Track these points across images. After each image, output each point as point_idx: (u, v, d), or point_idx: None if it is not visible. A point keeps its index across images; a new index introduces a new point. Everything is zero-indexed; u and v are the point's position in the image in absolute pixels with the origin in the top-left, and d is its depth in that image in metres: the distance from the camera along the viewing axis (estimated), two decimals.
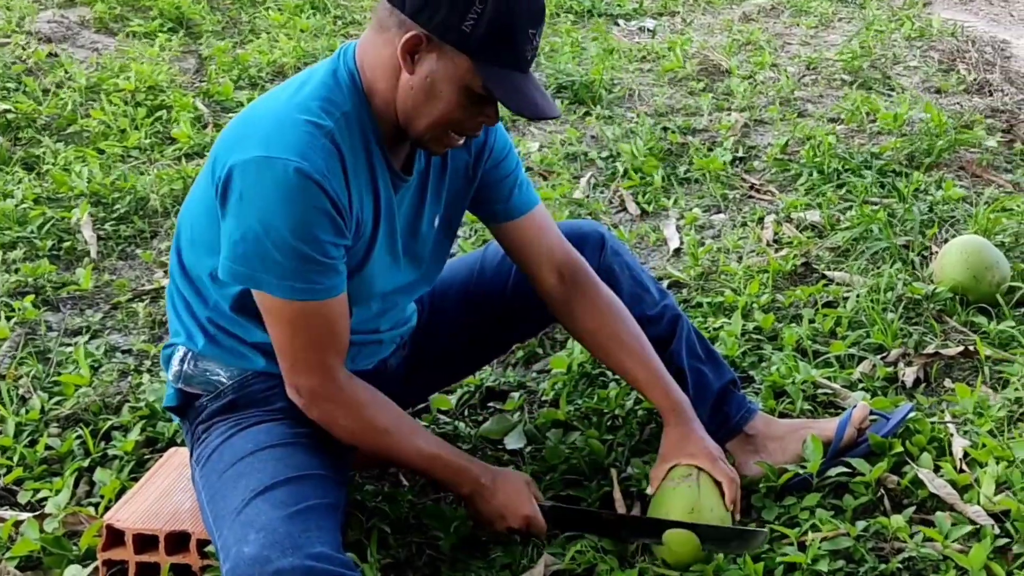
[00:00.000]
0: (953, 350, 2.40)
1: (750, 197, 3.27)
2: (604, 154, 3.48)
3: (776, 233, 3.01)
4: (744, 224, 3.09)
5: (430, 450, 1.74)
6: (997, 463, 1.94)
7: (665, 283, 2.74)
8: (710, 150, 3.52)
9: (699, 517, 1.77)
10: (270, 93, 1.69)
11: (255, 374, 1.76)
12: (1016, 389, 2.20)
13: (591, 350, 2.01)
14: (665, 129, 3.64)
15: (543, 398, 2.29)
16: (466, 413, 2.26)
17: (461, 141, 1.67)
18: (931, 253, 2.84)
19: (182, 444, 2.08)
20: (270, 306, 1.60)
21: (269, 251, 1.54)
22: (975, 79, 4.09)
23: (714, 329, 2.50)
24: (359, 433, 1.70)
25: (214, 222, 1.62)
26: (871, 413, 2.05)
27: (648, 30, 4.71)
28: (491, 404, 2.27)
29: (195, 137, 3.48)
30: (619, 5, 4.90)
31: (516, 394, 2.30)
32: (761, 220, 3.09)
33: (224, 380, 1.77)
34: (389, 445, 1.72)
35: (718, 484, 1.82)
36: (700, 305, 2.63)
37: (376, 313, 1.80)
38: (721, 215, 3.16)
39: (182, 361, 1.78)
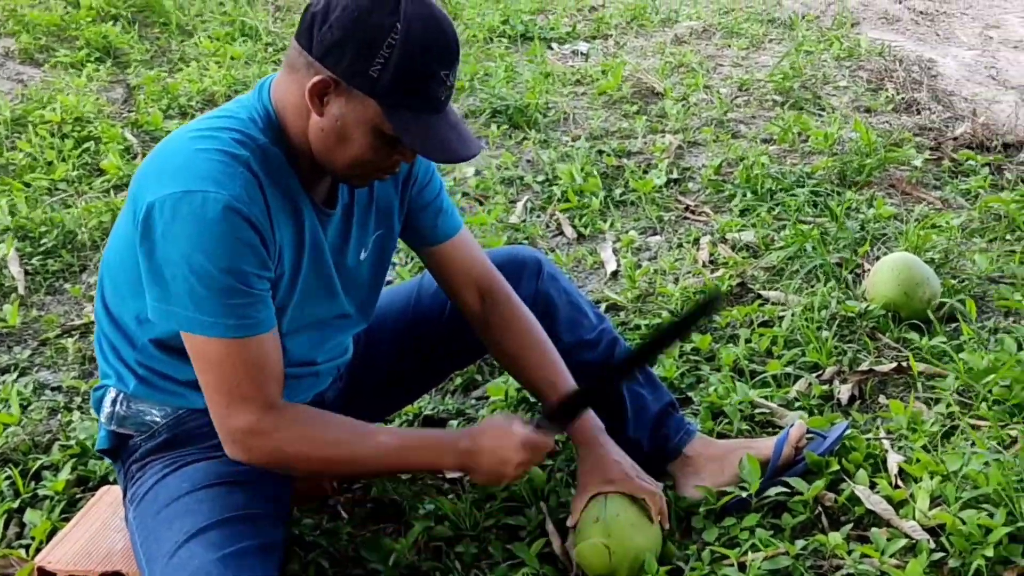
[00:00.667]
0: (886, 366, 2.46)
1: (685, 218, 3.32)
2: (540, 178, 3.51)
3: (712, 254, 3.06)
4: (680, 245, 3.13)
5: (394, 442, 1.70)
6: (931, 478, 1.98)
7: (603, 306, 2.77)
8: (645, 172, 3.57)
9: (617, 538, 1.78)
10: (184, 127, 1.68)
11: (190, 411, 1.74)
12: (948, 404, 2.26)
13: (508, 371, 2.04)
14: (600, 152, 3.69)
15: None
16: None
17: (384, 177, 1.67)
18: (864, 271, 2.91)
19: (115, 482, 2.05)
20: (201, 346, 1.56)
21: (195, 289, 1.52)
22: (903, 98, 4.20)
23: None
24: (314, 455, 1.64)
25: (137, 264, 1.59)
26: (808, 432, 2.09)
27: (582, 53, 4.76)
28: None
29: (124, 168, 3.44)
30: (552, 29, 4.95)
31: (455, 422, 2.30)
32: (697, 241, 3.14)
33: (158, 419, 1.75)
34: (350, 455, 1.67)
35: (642, 501, 1.84)
36: (638, 327, 2.67)
37: (311, 346, 1.79)
38: (657, 237, 3.21)
39: (114, 403, 1.76)
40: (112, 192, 3.35)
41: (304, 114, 1.58)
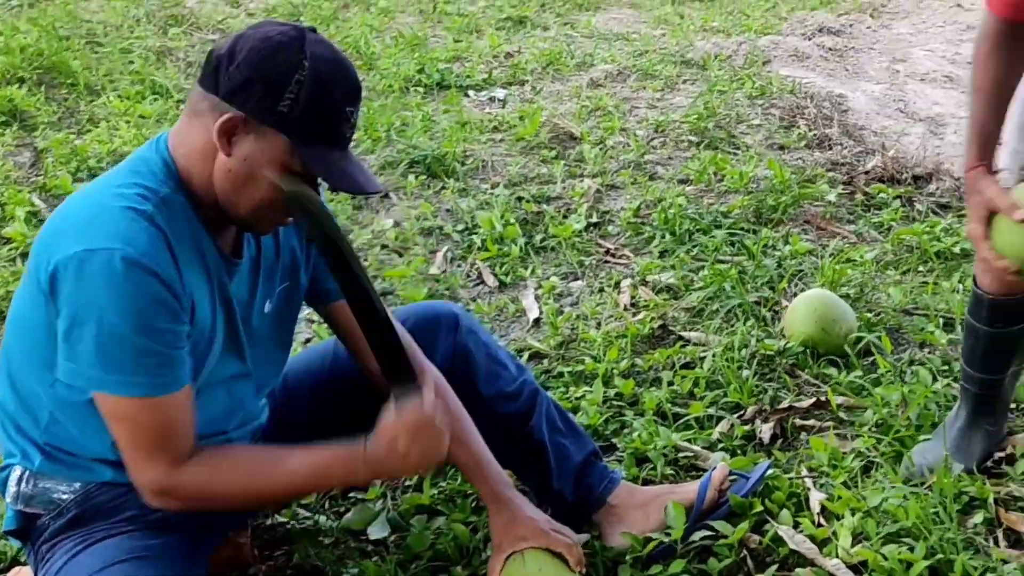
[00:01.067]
0: (806, 403, 2.51)
1: (606, 262, 3.36)
2: (460, 227, 3.53)
3: (633, 297, 3.10)
4: (601, 290, 3.16)
5: (304, 468, 1.71)
6: (853, 514, 2.02)
7: (525, 355, 2.79)
8: (565, 217, 3.60)
9: None
10: (83, 187, 1.68)
11: (99, 486, 1.71)
12: (867, 438, 2.31)
13: None
14: (520, 199, 3.72)
15: (407, 483, 2.28)
16: (327, 505, 2.23)
17: (289, 220, 1.68)
18: (782, 308, 2.97)
19: (26, 563, 2.00)
20: (113, 405, 1.57)
21: (107, 348, 1.52)
22: (815, 134, 4.31)
23: (576, 398, 2.55)
24: (229, 495, 1.68)
25: (43, 330, 1.58)
26: (730, 473, 2.12)
27: (499, 100, 4.81)
28: (352, 494, 2.26)
29: (30, 235, 3.38)
30: (469, 76, 4.99)
31: (378, 481, 2.29)
32: (618, 285, 3.17)
33: (66, 496, 1.72)
34: (263, 489, 1.71)
35: (559, 554, 1.85)
36: (561, 375, 2.68)
37: (222, 409, 1.78)
38: (579, 282, 3.24)
39: (19, 482, 1.72)
40: (19, 260, 3.29)
41: (209, 158, 1.59)
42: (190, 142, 1.61)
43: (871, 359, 2.69)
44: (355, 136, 3.63)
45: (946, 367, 2.64)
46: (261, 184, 1.59)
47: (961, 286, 3.05)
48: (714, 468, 2.11)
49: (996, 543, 2.01)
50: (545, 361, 2.78)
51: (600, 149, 4.15)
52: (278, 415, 1.98)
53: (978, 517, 2.05)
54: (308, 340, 2.89)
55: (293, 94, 1.53)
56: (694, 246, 3.35)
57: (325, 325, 2.84)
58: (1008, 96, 1.98)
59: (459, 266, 3.33)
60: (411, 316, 2.05)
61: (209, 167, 1.60)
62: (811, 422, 2.47)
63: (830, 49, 5.66)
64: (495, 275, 3.25)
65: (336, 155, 1.60)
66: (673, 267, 3.22)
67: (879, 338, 2.72)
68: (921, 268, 3.21)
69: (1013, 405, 2.38)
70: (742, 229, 3.47)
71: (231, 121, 1.55)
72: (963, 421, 2.24)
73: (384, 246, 3.42)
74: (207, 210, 1.64)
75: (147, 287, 1.52)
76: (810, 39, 5.82)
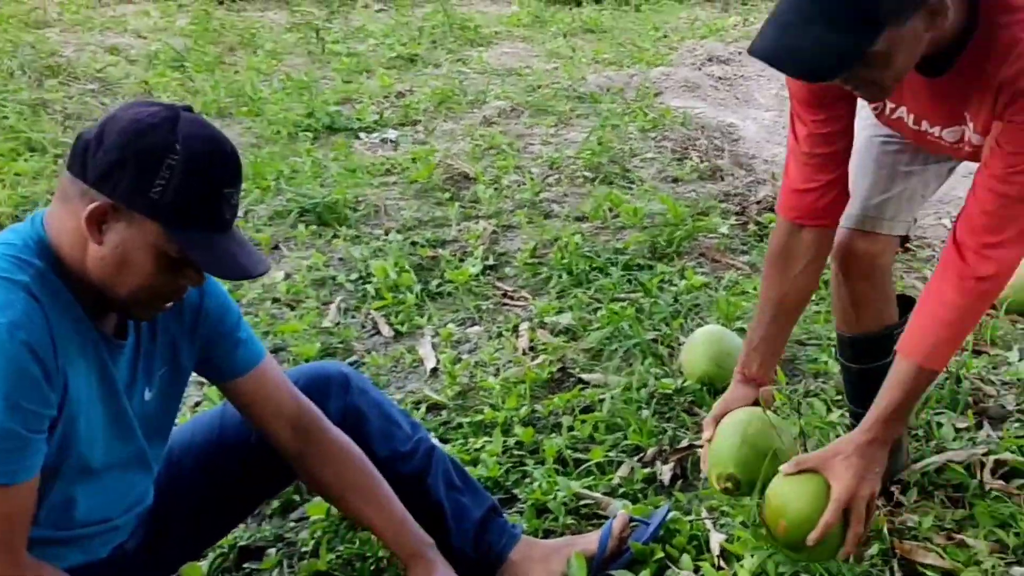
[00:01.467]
0: (704, 441, 2.53)
1: (504, 305, 3.37)
2: (353, 276, 3.51)
3: (531, 340, 3.11)
4: (500, 334, 3.17)
5: None
6: (752, 554, 2.05)
7: (423, 407, 2.77)
8: (461, 261, 3.61)
9: None
10: None
11: None
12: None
13: (330, 502, 2.02)
14: (414, 244, 3.71)
15: (303, 549, 2.24)
16: None
17: (169, 305, 1.65)
18: (679, 344, 3.01)
19: None
20: None
21: None
22: (707, 165, 4.40)
23: (476, 450, 2.54)
24: None
25: None
26: (631, 520, 2.13)
27: (391, 141, 4.81)
28: (247, 565, 2.21)
29: None
30: (359, 118, 4.99)
31: (273, 549, 2.25)
32: (516, 328, 3.18)
33: None
34: None
35: None
36: (460, 426, 2.67)
37: (113, 497, 1.73)
38: (476, 327, 3.24)
39: None
40: None
41: (82, 244, 1.55)
42: (62, 227, 1.56)
43: None
44: (243, 187, 3.60)
45: (840, 396, 2.70)
46: (137, 271, 1.54)
47: None
48: (614, 516, 2.12)
49: (892, 573, 2.06)
50: (444, 412, 2.77)
51: (495, 189, 4.17)
52: (163, 492, 1.93)
53: (874, 548, 2.10)
54: (198, 404, 2.84)
55: (164, 179, 1.50)
56: (591, 285, 3.38)
57: (215, 387, 2.81)
58: (789, 315, 2.14)
59: (353, 317, 3.30)
60: (300, 377, 2.03)
61: (82, 254, 1.55)
62: None
63: (720, 78, 5.81)
64: (391, 325, 3.24)
65: (216, 239, 1.56)
66: (571, 308, 3.24)
67: (774, 371, 2.76)
68: (813, 298, 3.28)
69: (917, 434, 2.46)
70: (638, 266, 3.51)
71: (99, 209, 1.50)
72: None
73: (275, 300, 3.38)
74: (85, 293, 1.59)
75: (19, 360, 1.46)
76: (700, 68, 5.97)
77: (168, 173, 1.50)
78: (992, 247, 1.80)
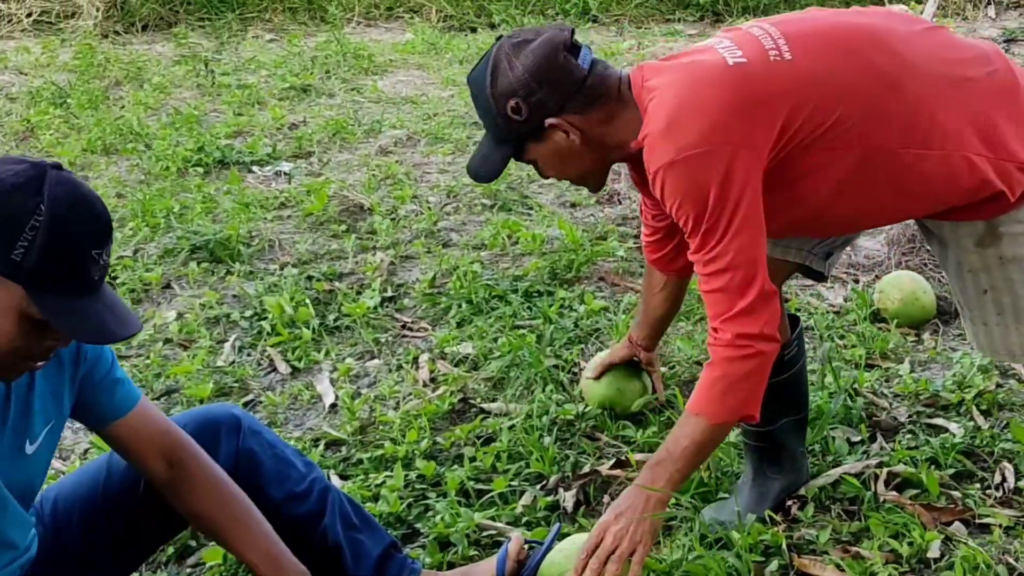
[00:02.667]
0: (607, 465, 2.58)
1: (403, 337, 3.38)
2: (248, 313, 3.48)
3: (432, 372, 3.13)
4: (399, 367, 3.18)
5: None
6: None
7: (322, 444, 2.77)
8: (359, 294, 3.61)
9: None
10: None
11: None
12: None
13: (204, 534, 2.02)
14: (310, 278, 3.70)
15: None
16: None
17: (39, 365, 1.63)
18: (580, 369, 3.05)
19: None
20: None
21: None
22: (604, 189, 4.47)
23: (376, 485, 2.55)
24: None
25: None
26: (527, 542, 2.16)
27: (285, 174, 4.79)
28: None
29: None
30: (251, 152, 4.95)
31: None
32: (416, 360, 3.20)
33: None
34: None
35: None
36: (360, 462, 2.68)
37: None
38: (376, 360, 3.24)
39: None
40: None
41: None
42: None
43: (668, 413, 2.79)
44: (134, 226, 3.54)
45: None
46: (1, 333, 1.52)
47: None
48: (509, 541, 2.15)
49: None
50: (343, 449, 2.77)
51: (392, 219, 4.18)
52: (48, 542, 1.90)
53: (773, 565, 2.16)
54: (87, 451, 2.79)
55: (27, 241, 1.47)
56: (491, 313, 3.41)
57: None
58: (661, 319, 2.70)
59: (249, 355, 3.28)
60: (190, 422, 2.02)
61: None
62: (613, 485, 2.54)
63: None
64: (287, 361, 3.22)
65: (83, 300, 1.54)
66: (471, 337, 3.27)
67: (673, 394, 2.83)
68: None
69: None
70: (538, 292, 3.56)
71: None
72: (748, 473, 2.40)
73: (167, 340, 3.34)
74: None
75: None
76: None
77: (31, 235, 1.48)
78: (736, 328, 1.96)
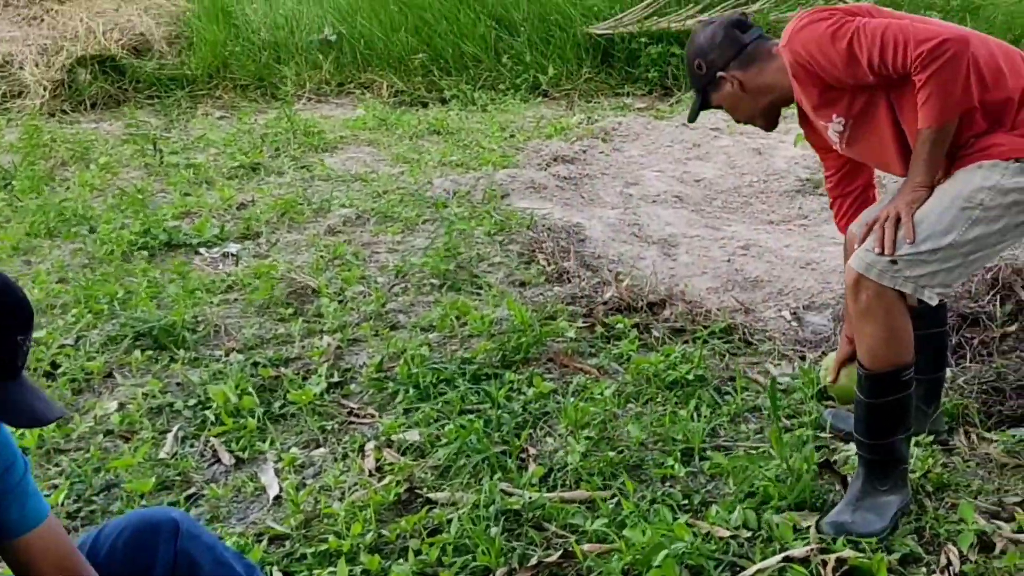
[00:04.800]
0: (555, 556, 2.58)
1: (350, 424, 3.37)
2: (192, 402, 3.46)
3: (378, 460, 3.11)
4: (345, 455, 3.16)
5: None
6: None
7: (265, 539, 2.74)
8: (305, 379, 3.60)
9: None
10: None
11: None
12: None
13: None
14: (256, 364, 3.68)
15: None
16: None
17: None
18: (527, 456, 3.05)
19: None
20: None
21: None
22: (554, 268, 4.51)
23: None
24: None
25: None
26: None
27: (232, 255, 4.79)
28: None
29: None
30: (199, 233, 4.95)
31: None
32: (362, 448, 3.18)
33: None
34: None
35: None
36: (304, 557, 2.65)
37: None
38: (321, 449, 3.22)
39: None
40: None
41: None
42: None
43: (616, 500, 2.80)
44: (76, 312, 3.51)
45: (687, 500, 2.79)
46: None
47: (697, 413, 3.24)
48: None
49: None
50: (287, 543, 2.74)
51: (339, 302, 4.19)
52: None
53: None
54: None
55: None
56: (439, 398, 3.41)
57: None
58: None
59: (192, 446, 3.25)
60: (128, 526, 2.01)
61: None
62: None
63: (565, 178, 5.97)
64: (231, 452, 3.20)
65: (7, 385, 1.56)
66: (418, 423, 3.26)
67: (623, 483, 2.84)
68: (659, 398, 3.39)
69: None
70: (487, 375, 3.56)
71: None
72: (857, 488, 2.69)
73: (108, 432, 3.30)
74: None
75: None
76: (546, 169, 6.13)
77: None
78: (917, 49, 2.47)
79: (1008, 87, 2.54)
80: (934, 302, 2.57)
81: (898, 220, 2.53)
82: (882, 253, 2.51)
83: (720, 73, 2.83)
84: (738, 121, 3.00)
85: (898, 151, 2.67)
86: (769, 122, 2.94)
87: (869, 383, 2.64)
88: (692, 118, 3.04)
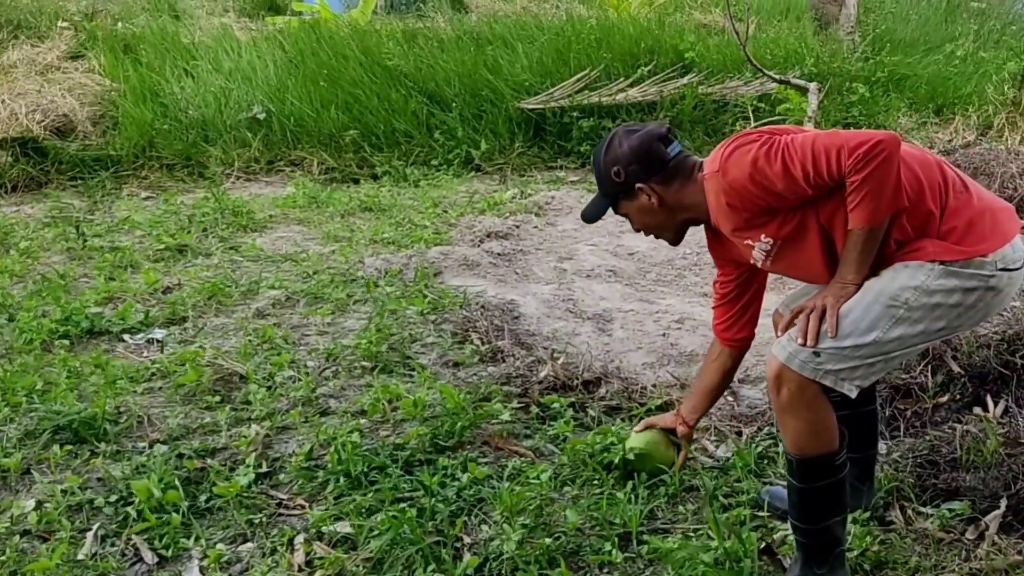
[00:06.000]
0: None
1: (279, 515, 3.29)
2: (113, 498, 3.36)
3: (308, 554, 3.04)
4: (274, 550, 3.09)
5: None
6: None
7: None
8: (232, 470, 3.52)
9: None
10: None
11: None
12: None
13: None
14: (181, 456, 3.60)
15: None
16: None
17: None
18: (462, 545, 3.01)
19: None
20: None
21: None
22: (488, 348, 4.50)
23: None
24: None
25: None
26: None
27: (157, 341, 4.71)
28: None
29: None
30: (122, 319, 4.86)
31: None
32: (291, 542, 3.11)
33: None
34: None
35: None
36: None
37: None
38: (249, 544, 3.15)
39: None
40: None
41: None
42: None
43: None
44: None
45: None
46: None
47: (634, 495, 3.23)
48: None
49: None
50: None
51: (268, 388, 4.13)
52: None
53: None
54: None
55: None
56: (371, 487, 3.36)
57: None
58: (710, 392, 3.25)
59: (113, 544, 3.15)
60: None
61: None
62: None
63: (499, 254, 6.00)
64: (154, 550, 3.10)
65: None
66: (349, 514, 3.20)
67: (560, 573, 2.80)
68: (596, 480, 3.37)
69: None
70: (419, 461, 3.52)
71: None
72: (796, 571, 2.73)
73: (25, 533, 3.19)
74: None
75: None
76: (479, 245, 6.15)
77: None
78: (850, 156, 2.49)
79: (927, 201, 2.58)
80: (853, 395, 2.58)
81: (823, 313, 2.55)
82: (804, 344, 2.54)
83: (639, 185, 2.78)
84: (641, 231, 2.93)
85: (826, 265, 2.67)
86: (678, 237, 2.93)
87: (799, 468, 2.64)
88: (593, 219, 2.92)
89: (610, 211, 2.90)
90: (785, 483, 3.22)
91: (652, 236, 2.94)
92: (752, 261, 2.78)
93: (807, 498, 2.65)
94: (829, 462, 2.61)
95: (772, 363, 2.59)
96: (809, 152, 2.51)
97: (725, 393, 4.07)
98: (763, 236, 2.68)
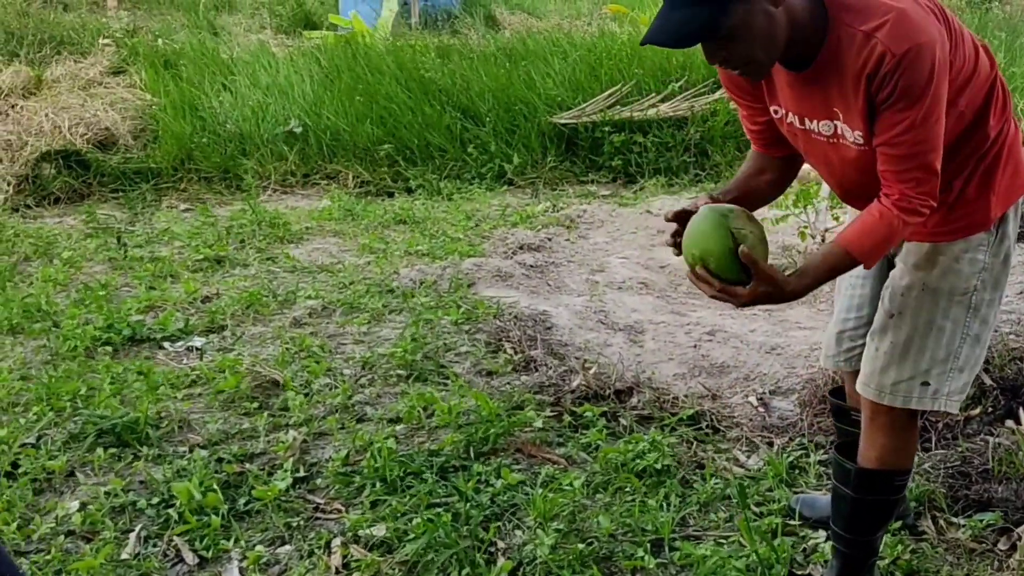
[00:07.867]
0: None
1: (316, 519, 3.34)
2: (155, 500, 3.41)
3: (344, 557, 3.08)
4: (311, 552, 3.13)
5: None
6: None
7: None
8: (270, 475, 3.57)
9: None
10: None
11: None
12: None
13: None
14: (221, 460, 3.66)
15: None
16: None
17: None
18: (496, 549, 3.04)
19: None
20: None
21: None
22: (521, 357, 4.53)
23: None
24: None
25: None
26: None
27: (197, 349, 4.77)
28: None
29: None
30: (163, 327, 4.93)
31: None
32: (328, 545, 3.15)
33: None
34: None
35: None
36: None
37: None
38: (287, 546, 3.19)
39: None
40: None
41: None
42: None
43: None
44: (38, 410, 3.47)
45: None
46: None
47: (666, 503, 3.24)
48: None
49: None
50: None
51: (305, 395, 4.17)
52: None
53: None
54: None
55: None
56: (407, 492, 3.39)
57: None
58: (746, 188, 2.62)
59: (155, 545, 3.20)
60: None
61: None
62: None
63: (531, 266, 6.03)
64: (194, 551, 3.15)
65: None
66: (385, 518, 3.24)
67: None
68: (628, 487, 3.39)
69: None
70: (454, 467, 3.55)
71: None
72: None
73: (69, 533, 3.25)
74: None
75: None
76: (512, 257, 6.18)
77: None
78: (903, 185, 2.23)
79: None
80: (955, 410, 2.51)
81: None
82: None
83: None
84: (727, 61, 2.24)
85: (844, 179, 2.43)
86: (764, 72, 2.33)
87: (861, 479, 2.58)
88: (675, 38, 2.17)
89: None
90: (821, 492, 3.24)
91: (739, 70, 2.30)
92: (788, 128, 2.45)
93: (862, 510, 2.61)
94: (903, 477, 2.59)
95: (871, 402, 2.53)
96: (919, 142, 2.19)
97: (756, 404, 4.09)
98: (831, 121, 2.32)
